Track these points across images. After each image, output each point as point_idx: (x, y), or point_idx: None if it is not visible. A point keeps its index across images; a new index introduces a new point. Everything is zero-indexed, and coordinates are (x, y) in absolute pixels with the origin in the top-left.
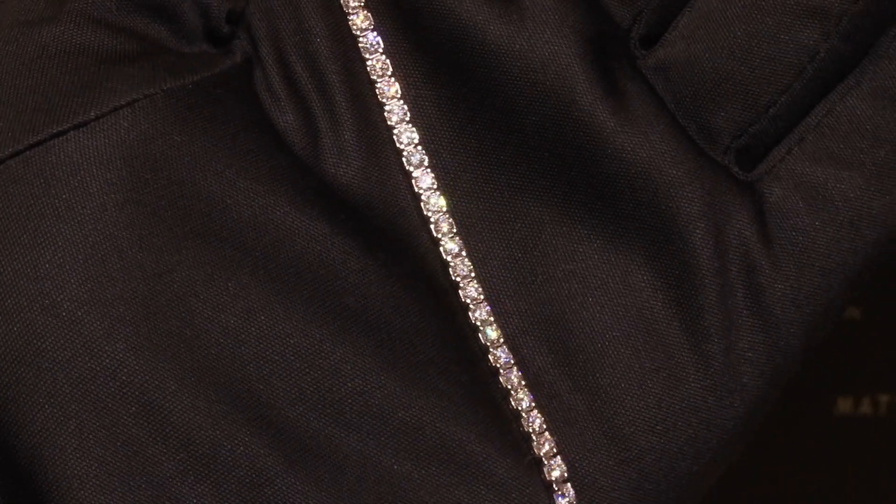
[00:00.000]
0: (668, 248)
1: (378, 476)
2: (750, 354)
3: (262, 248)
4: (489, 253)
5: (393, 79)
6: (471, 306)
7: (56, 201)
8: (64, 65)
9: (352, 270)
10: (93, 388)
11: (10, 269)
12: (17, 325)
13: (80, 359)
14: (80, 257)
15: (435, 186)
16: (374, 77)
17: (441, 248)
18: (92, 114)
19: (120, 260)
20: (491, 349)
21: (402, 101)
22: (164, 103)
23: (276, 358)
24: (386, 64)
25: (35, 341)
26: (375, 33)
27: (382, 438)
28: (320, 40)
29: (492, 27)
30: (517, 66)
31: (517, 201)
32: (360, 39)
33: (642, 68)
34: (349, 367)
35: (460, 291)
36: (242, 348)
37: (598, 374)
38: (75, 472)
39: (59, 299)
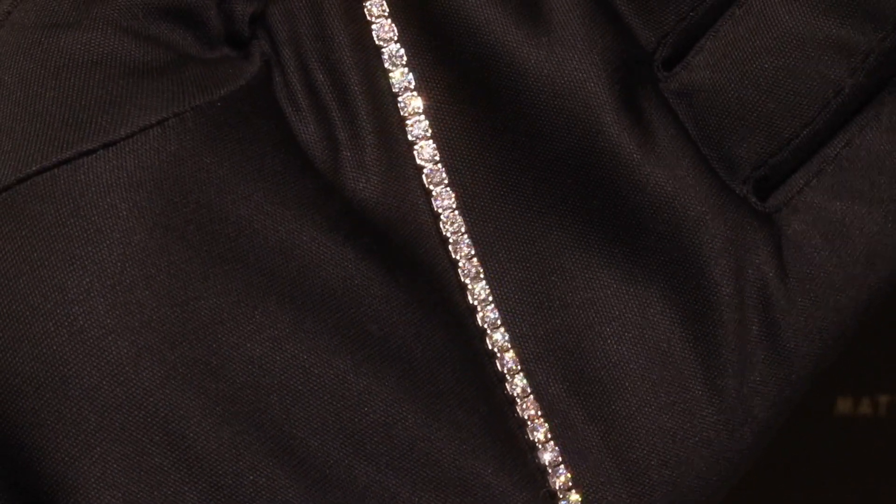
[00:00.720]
0: (688, 283)
1: None
2: (762, 388)
3: (288, 274)
4: (506, 276)
5: (415, 93)
6: (488, 331)
7: (85, 223)
8: (91, 76)
9: (375, 297)
10: (118, 416)
11: (37, 292)
12: (44, 350)
13: (105, 386)
14: (108, 282)
15: (455, 206)
16: (397, 90)
17: (459, 270)
18: (122, 132)
19: (148, 286)
20: (507, 376)
21: (423, 117)
22: (194, 123)
23: (300, 388)
24: (409, 77)
25: (61, 367)
26: (399, 45)
27: (402, 470)
28: (343, 49)
29: (521, 50)
30: (545, 90)
31: (537, 225)
32: (384, 50)
33: (664, 91)
34: (372, 399)
35: (478, 315)
36: (267, 378)
37: (613, 406)
38: (98, 500)
39: (86, 325)
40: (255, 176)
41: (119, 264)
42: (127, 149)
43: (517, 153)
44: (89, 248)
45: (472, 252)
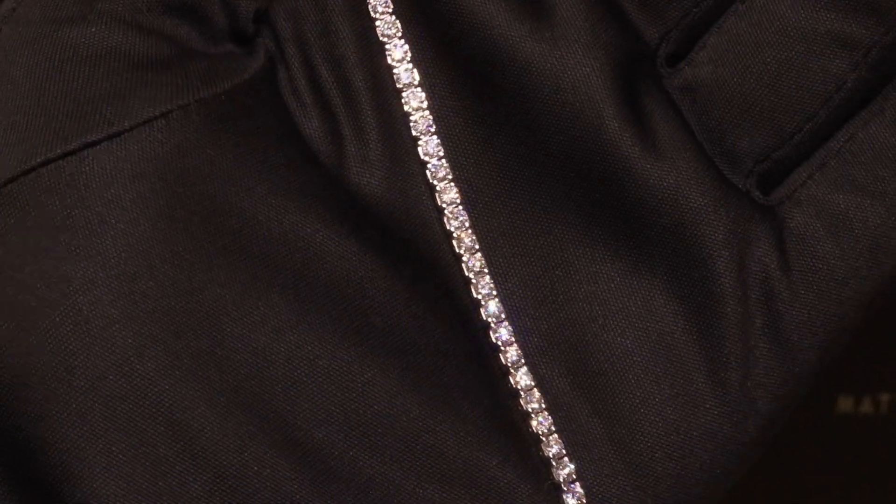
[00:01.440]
0: (691, 275)
1: (401, 500)
2: (765, 380)
3: (292, 266)
4: (510, 270)
5: (419, 89)
6: (492, 325)
7: (89, 214)
8: (96, 69)
9: (379, 289)
10: (123, 406)
11: (42, 282)
12: (49, 341)
13: (110, 376)
14: (112, 272)
15: (458, 200)
16: (400, 86)
17: (463, 265)
18: (126, 124)
19: (152, 276)
20: (511, 370)
21: (427, 112)
22: (198, 115)
23: (304, 379)
24: (412, 73)
25: (66, 357)
26: (403, 41)
27: (406, 462)
28: (347, 45)
29: (524, 44)
30: (547, 85)
31: (540, 219)
32: (388, 46)
33: (668, 87)
34: (376, 390)
35: (482, 310)
36: (271, 369)
37: (616, 399)
38: (103, 490)
39: (90, 315)
40: (259, 168)
41: (123, 254)
42: (131, 140)
43: (521, 148)
44: (93, 239)
45: (476, 247)
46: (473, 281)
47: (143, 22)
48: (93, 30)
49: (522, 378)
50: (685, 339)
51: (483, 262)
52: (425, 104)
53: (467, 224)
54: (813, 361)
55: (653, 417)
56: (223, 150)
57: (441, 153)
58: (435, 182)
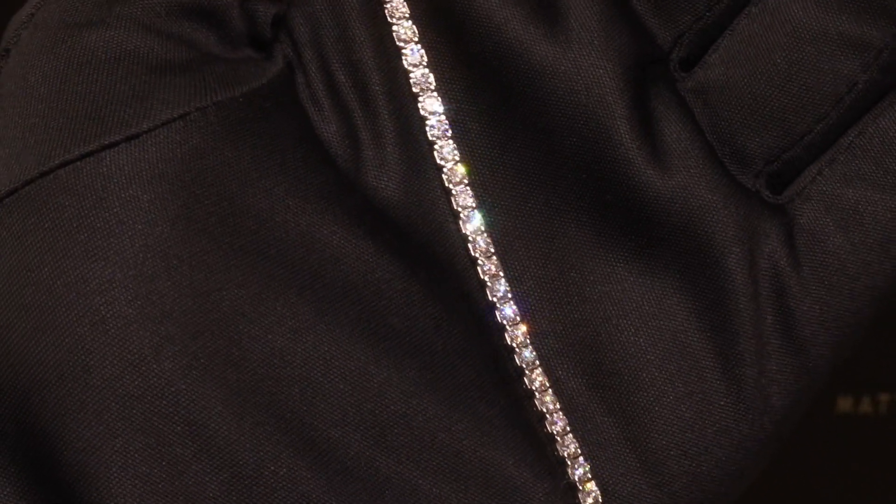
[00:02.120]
0: (703, 273)
1: (417, 499)
2: (779, 377)
3: (309, 267)
4: (525, 273)
5: (436, 93)
6: (507, 327)
7: (107, 214)
8: (114, 72)
9: (396, 291)
10: (140, 405)
11: (60, 282)
12: (66, 340)
13: (127, 376)
14: (130, 273)
15: (474, 205)
16: (417, 90)
17: (479, 268)
18: (144, 125)
19: (170, 277)
20: (526, 371)
21: (443, 117)
22: (216, 117)
23: (321, 380)
24: (429, 78)
25: (83, 357)
26: (419, 46)
27: (423, 462)
28: (364, 50)
29: (538, 47)
30: (561, 87)
31: (554, 221)
32: (404, 51)
33: (681, 91)
34: (392, 390)
35: (497, 312)
36: (288, 369)
37: (631, 398)
38: (119, 489)
39: (108, 315)
40: (277, 170)
41: (141, 255)
42: (149, 141)
43: (535, 151)
44: (111, 240)
45: (492, 250)
46: (489, 284)
47: (162, 26)
48: (111, 33)
49: (537, 379)
50: (698, 338)
51: (498, 265)
52: (441, 108)
53: (483, 228)
54: (826, 356)
55: (667, 416)
56: (241, 151)
57: (457, 157)
58: (451, 186)
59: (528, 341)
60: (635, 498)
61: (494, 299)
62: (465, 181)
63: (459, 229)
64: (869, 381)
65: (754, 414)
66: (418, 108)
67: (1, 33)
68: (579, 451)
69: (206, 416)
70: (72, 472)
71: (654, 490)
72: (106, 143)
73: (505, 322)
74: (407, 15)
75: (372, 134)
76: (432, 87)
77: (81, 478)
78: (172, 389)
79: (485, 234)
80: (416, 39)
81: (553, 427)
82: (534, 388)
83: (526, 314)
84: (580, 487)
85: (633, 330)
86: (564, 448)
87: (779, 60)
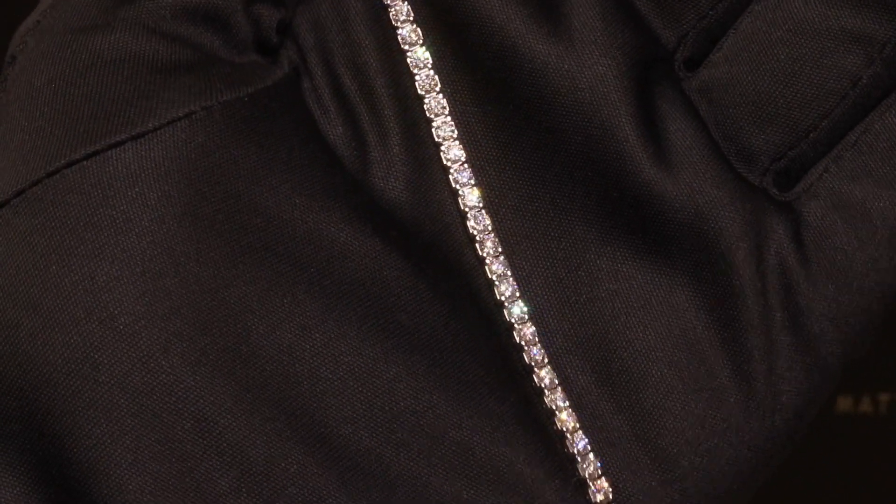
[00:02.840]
0: (710, 269)
1: (428, 496)
2: (789, 374)
3: (316, 264)
4: (533, 272)
5: (441, 95)
6: (515, 325)
7: (114, 212)
8: (119, 73)
9: (404, 288)
10: (149, 402)
11: (67, 280)
12: (75, 338)
13: (136, 373)
14: (137, 270)
15: (481, 205)
16: (422, 92)
17: (486, 268)
18: (150, 124)
19: (177, 273)
20: (535, 369)
21: (449, 118)
22: (222, 116)
23: (330, 376)
24: (434, 79)
25: (92, 354)
26: (424, 48)
27: (433, 458)
28: (369, 53)
29: (541, 46)
30: (564, 85)
31: (561, 220)
32: (409, 54)
33: (686, 90)
34: (402, 386)
35: (505, 311)
36: (297, 366)
37: (640, 395)
38: (129, 486)
39: (116, 312)
40: (283, 168)
41: (148, 252)
42: (155, 140)
43: (541, 150)
44: (119, 237)
45: (499, 249)
46: (497, 283)
47: (167, 29)
48: (116, 36)
49: (546, 376)
50: (707, 333)
51: (506, 264)
52: (447, 110)
53: (490, 228)
54: (837, 354)
55: (677, 412)
56: (247, 149)
57: (463, 157)
58: (458, 187)
59: (537, 339)
60: (646, 494)
61: (503, 298)
62: (472, 181)
63: (467, 229)
64: (869, 380)
65: (764, 411)
66: (424, 110)
67: (3, 36)
68: (589, 447)
69: (215, 413)
70: (81, 469)
71: (664, 486)
72: (112, 142)
73: (513, 321)
74: (411, 18)
75: (378, 136)
76: (437, 89)
77: (91, 475)
78: (181, 386)
79: (492, 234)
80: (421, 42)
81: (563, 424)
82: (543, 385)
83: (534, 313)
84: (590, 484)
85: (641, 327)
86: (574, 445)
87: (782, 57)
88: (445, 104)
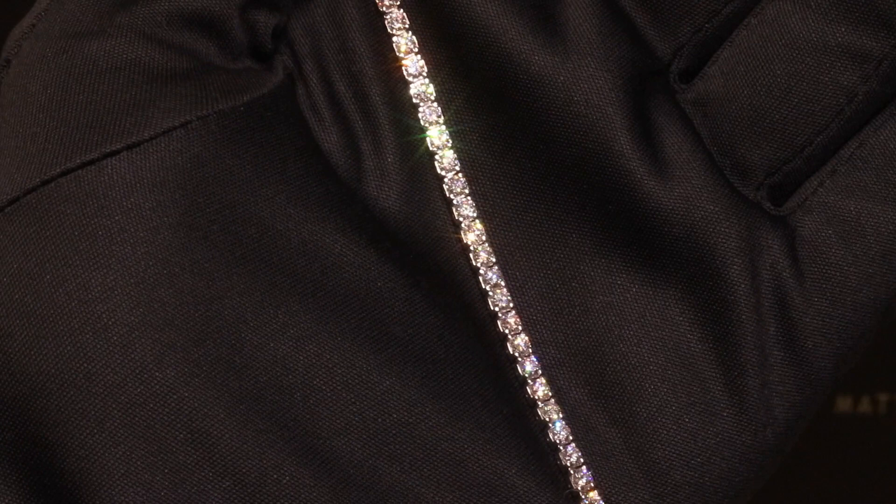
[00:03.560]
0: (705, 283)
1: None
2: (781, 388)
3: (311, 275)
4: (527, 283)
5: (436, 104)
6: (509, 337)
7: (109, 222)
8: (115, 81)
9: (398, 299)
10: (142, 413)
11: (61, 289)
12: (68, 348)
13: (129, 383)
14: (132, 280)
15: (475, 215)
16: (417, 101)
17: (480, 278)
18: (145, 134)
19: (171, 284)
20: (528, 381)
21: (444, 127)
22: (217, 126)
23: (324, 388)
24: (429, 88)
25: (85, 364)
26: (419, 57)
27: (426, 470)
28: (364, 61)
29: (536, 57)
30: (560, 97)
31: (556, 232)
32: (405, 62)
33: (682, 102)
34: (395, 399)
35: (499, 322)
36: (290, 377)
37: (634, 408)
38: (122, 496)
39: (109, 322)
40: (278, 178)
41: (143, 262)
42: (151, 150)
43: (535, 161)
44: (113, 247)
45: (493, 260)
46: (490, 294)
47: (163, 36)
48: (111, 43)
49: (540, 389)
50: (701, 348)
51: (500, 275)
52: (442, 119)
53: (484, 238)
54: (829, 369)
55: (670, 426)
56: (242, 160)
57: (457, 167)
58: (451, 196)
59: (531, 351)
60: None
61: (496, 309)
62: (466, 191)
63: (461, 239)
64: (868, 381)
65: (757, 425)
66: (419, 119)
67: (1, 41)
68: (582, 460)
69: (208, 424)
70: (74, 480)
71: (656, 500)
72: (107, 151)
73: (507, 332)
74: (407, 26)
75: (372, 144)
76: (432, 98)
77: (83, 486)
78: (175, 397)
79: (486, 245)
80: (416, 50)
81: (556, 436)
82: (536, 397)
83: (528, 324)
84: (583, 497)
85: (635, 340)
86: (567, 457)
87: (778, 72)
88: (440, 113)
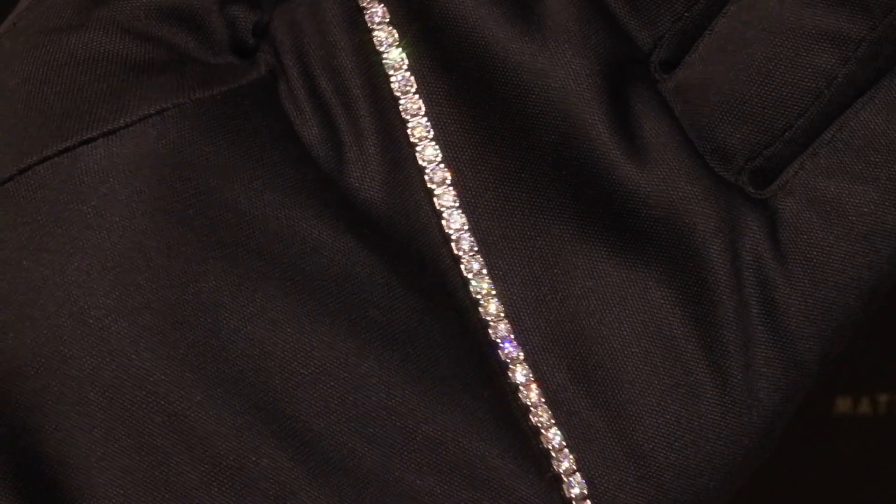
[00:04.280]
0: (685, 265)
1: (400, 491)
2: (765, 370)
3: (288, 259)
4: (509, 271)
5: (417, 96)
6: (491, 323)
7: (85, 208)
8: (92, 71)
9: (377, 284)
10: (119, 396)
11: (37, 275)
12: (44, 332)
13: (106, 367)
14: (108, 264)
15: (457, 204)
16: (398, 93)
17: (462, 266)
18: (121, 121)
19: (148, 268)
20: (510, 365)
21: (425, 118)
22: (194, 112)
23: (302, 371)
24: (410, 80)
25: (62, 348)
26: (399, 49)
27: (406, 453)
28: (344, 55)
29: (514, 45)
30: (538, 84)
31: (537, 219)
32: (384, 55)
33: (662, 91)
34: (374, 381)
35: (480, 308)
36: (268, 360)
37: (616, 391)
38: (100, 480)
39: (86, 306)
40: (255, 165)
41: (119, 247)
42: (127, 136)
43: (516, 149)
44: (89, 232)
45: (476, 248)
46: (473, 282)
47: (141, 29)
48: (90, 35)
49: (521, 373)
50: (683, 330)
51: (482, 263)
52: (423, 110)
53: (466, 227)
54: (814, 351)
55: (653, 408)
56: (219, 146)
57: (439, 158)
58: (433, 187)
59: (512, 336)
60: (621, 490)
61: (478, 296)
62: (448, 181)
63: (442, 229)
64: (868, 381)
65: (741, 407)
66: (400, 111)
67: None
68: (564, 443)
69: (185, 407)
70: (52, 463)
71: (640, 482)
72: (83, 138)
73: (489, 318)
74: (387, 20)
75: (354, 136)
76: (413, 90)
77: (62, 469)
78: (151, 380)
79: (468, 234)
80: (396, 43)
81: (538, 420)
82: (518, 382)
83: (511, 311)
84: (565, 480)
85: (617, 324)
86: (549, 441)
87: (757, 56)
88: (421, 105)
